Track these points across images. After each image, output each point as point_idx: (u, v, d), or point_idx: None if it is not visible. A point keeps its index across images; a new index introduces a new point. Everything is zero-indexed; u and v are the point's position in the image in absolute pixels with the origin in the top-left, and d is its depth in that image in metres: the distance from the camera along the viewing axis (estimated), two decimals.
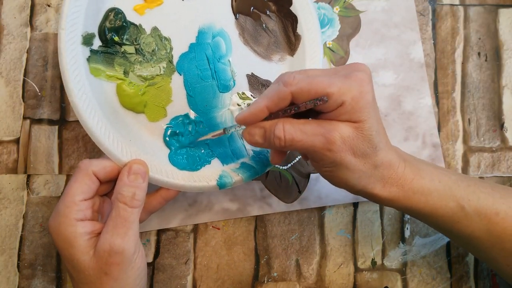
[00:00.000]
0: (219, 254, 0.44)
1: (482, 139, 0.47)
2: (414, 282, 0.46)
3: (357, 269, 0.45)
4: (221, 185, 0.39)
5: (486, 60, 0.48)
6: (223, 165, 0.40)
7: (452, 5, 0.48)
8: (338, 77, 0.32)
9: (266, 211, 0.44)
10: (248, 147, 0.40)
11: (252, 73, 0.43)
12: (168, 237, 0.44)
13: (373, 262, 0.45)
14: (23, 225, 0.43)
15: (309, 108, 0.32)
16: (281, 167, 0.44)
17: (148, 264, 0.44)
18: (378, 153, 0.34)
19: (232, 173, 0.39)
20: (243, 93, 0.42)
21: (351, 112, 0.32)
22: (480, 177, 0.47)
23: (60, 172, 0.44)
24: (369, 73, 0.33)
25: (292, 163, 0.44)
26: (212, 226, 0.45)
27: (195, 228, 0.44)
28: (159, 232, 0.44)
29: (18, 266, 0.43)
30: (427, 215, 0.37)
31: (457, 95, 0.47)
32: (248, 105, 0.40)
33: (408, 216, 0.46)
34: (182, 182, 0.38)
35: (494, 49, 0.48)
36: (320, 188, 0.45)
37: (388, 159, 0.35)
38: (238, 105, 0.41)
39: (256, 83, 0.42)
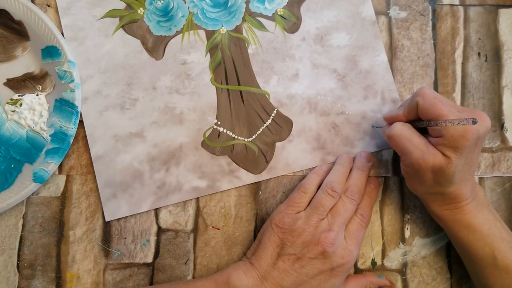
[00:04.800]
0: (219, 254, 0.45)
1: None
2: (414, 283, 0.46)
3: (357, 269, 0.46)
4: (38, 180, 0.43)
5: (486, 61, 0.48)
6: (32, 164, 0.44)
7: (452, 5, 0.49)
8: (456, 114, 0.37)
9: (236, 184, 0.46)
10: (46, 134, 0.44)
11: (6, 79, 0.45)
12: (168, 237, 0.44)
13: (373, 263, 0.46)
14: (23, 225, 0.44)
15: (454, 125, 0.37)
16: (245, 139, 0.45)
17: (148, 264, 0.44)
18: (451, 186, 0.39)
19: (42, 164, 0.43)
20: (12, 99, 0.44)
21: (446, 147, 0.38)
22: (480, 178, 0.47)
23: (60, 172, 0.44)
24: (485, 126, 0.38)
25: (256, 134, 0.45)
26: (212, 227, 0.45)
27: (195, 228, 0.45)
28: (159, 233, 0.44)
29: (17, 266, 0.43)
30: (461, 246, 0.42)
31: (457, 95, 0.48)
32: (21, 105, 0.43)
33: (408, 217, 0.46)
34: (4, 203, 0.43)
35: (494, 49, 0.48)
36: (287, 155, 0.46)
37: (457, 193, 0.40)
38: (13, 111, 0.44)
39: (17, 82, 0.45)
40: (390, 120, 0.43)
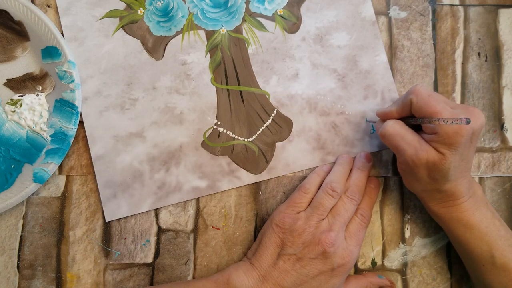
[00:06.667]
0: (219, 254, 0.45)
1: (482, 139, 0.48)
2: (414, 283, 0.46)
3: (357, 270, 0.46)
4: (39, 180, 0.43)
5: (486, 61, 0.48)
6: (32, 165, 0.44)
7: (452, 5, 0.49)
8: (450, 111, 0.37)
9: (236, 185, 0.46)
10: (46, 135, 0.44)
11: (6, 79, 0.45)
12: (168, 237, 0.44)
13: (373, 263, 0.46)
14: (23, 225, 0.44)
15: (447, 124, 0.37)
16: (245, 139, 0.45)
17: (148, 265, 0.44)
18: (446, 183, 0.40)
19: (43, 165, 0.43)
20: (12, 99, 0.44)
21: (440, 144, 0.38)
22: (480, 178, 0.47)
23: (60, 172, 0.44)
24: (479, 123, 0.38)
25: (256, 135, 0.45)
26: (213, 227, 0.45)
27: (195, 229, 0.45)
28: (159, 233, 0.44)
29: (18, 267, 0.43)
30: (459, 244, 0.42)
31: (457, 95, 0.48)
32: (21, 105, 0.43)
33: (409, 217, 0.46)
34: (4, 203, 0.43)
35: (494, 49, 0.48)
36: (287, 156, 0.46)
37: (453, 190, 0.40)
38: (13, 111, 0.44)
39: (17, 83, 0.45)
40: (383, 117, 0.43)
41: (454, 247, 0.44)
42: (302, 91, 0.47)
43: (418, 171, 0.39)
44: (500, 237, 0.40)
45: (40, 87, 0.45)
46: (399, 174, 0.47)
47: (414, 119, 0.40)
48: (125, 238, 0.45)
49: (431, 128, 0.38)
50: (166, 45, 0.47)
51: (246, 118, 0.47)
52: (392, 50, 0.48)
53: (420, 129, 0.41)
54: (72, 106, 0.44)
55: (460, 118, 0.35)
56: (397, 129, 0.40)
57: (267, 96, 0.47)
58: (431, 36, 0.49)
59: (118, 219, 0.45)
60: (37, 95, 0.45)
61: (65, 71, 0.44)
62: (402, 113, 0.41)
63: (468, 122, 0.34)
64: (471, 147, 0.39)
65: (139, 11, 0.47)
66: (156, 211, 0.45)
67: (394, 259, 0.47)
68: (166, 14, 0.47)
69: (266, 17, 0.48)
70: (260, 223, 0.46)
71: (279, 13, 0.48)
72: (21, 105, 0.44)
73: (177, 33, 0.47)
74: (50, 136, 0.44)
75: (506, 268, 0.40)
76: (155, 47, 0.46)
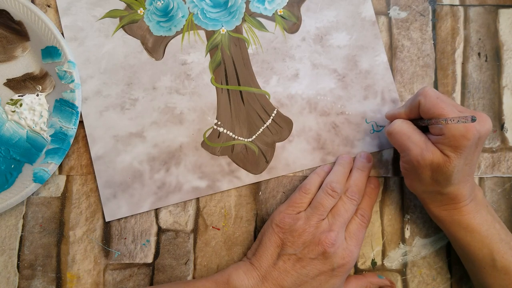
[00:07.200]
0: (219, 254, 0.45)
1: None
2: (414, 283, 0.46)
3: (357, 270, 0.46)
4: (39, 180, 0.43)
5: (486, 61, 0.48)
6: (32, 165, 0.44)
7: (452, 5, 0.49)
8: (457, 114, 0.38)
9: (236, 185, 0.46)
10: (46, 135, 0.44)
11: (6, 79, 0.45)
12: (168, 237, 0.44)
13: (373, 263, 0.46)
14: (23, 225, 0.44)
15: (454, 123, 0.37)
16: (245, 139, 0.45)
17: (148, 265, 0.44)
18: (449, 186, 0.40)
19: (43, 164, 0.43)
20: (12, 99, 0.44)
21: (446, 146, 0.38)
22: (480, 178, 0.47)
23: (60, 172, 0.44)
24: (486, 128, 0.38)
25: (256, 135, 0.45)
26: (213, 227, 0.45)
27: (195, 229, 0.45)
28: (159, 233, 0.44)
29: (18, 267, 0.43)
30: (460, 247, 0.42)
31: (457, 95, 0.48)
32: (21, 105, 0.43)
33: (409, 217, 0.46)
34: (4, 203, 0.43)
35: (494, 49, 0.48)
36: (287, 156, 0.46)
37: (455, 194, 0.40)
38: (13, 111, 0.44)
39: (17, 83, 0.45)
40: (392, 118, 0.43)
41: (455, 249, 0.44)
42: (302, 91, 0.47)
43: (422, 172, 0.39)
44: (500, 240, 0.40)
45: (40, 87, 0.45)
46: (399, 174, 0.47)
47: (422, 120, 0.40)
48: (125, 238, 0.45)
49: (438, 129, 0.38)
50: (166, 45, 0.47)
51: (246, 118, 0.47)
52: (392, 50, 0.48)
53: (427, 131, 0.41)
54: (72, 106, 0.44)
55: (466, 116, 0.35)
56: (404, 128, 0.40)
57: (267, 96, 0.47)
58: (431, 36, 0.49)
59: (118, 219, 0.45)
60: (37, 95, 0.45)
61: (65, 71, 0.44)
62: (410, 114, 0.41)
63: (473, 120, 0.34)
64: (476, 152, 0.39)
65: (139, 11, 0.47)
66: (156, 211, 0.45)
67: (394, 259, 0.47)
68: (166, 14, 0.47)
69: (266, 17, 0.48)
70: (260, 223, 0.46)
71: (279, 13, 0.48)
72: (21, 105, 0.44)
73: (177, 33, 0.47)
74: (50, 136, 0.44)
75: (507, 271, 0.40)
76: (155, 47, 0.46)
